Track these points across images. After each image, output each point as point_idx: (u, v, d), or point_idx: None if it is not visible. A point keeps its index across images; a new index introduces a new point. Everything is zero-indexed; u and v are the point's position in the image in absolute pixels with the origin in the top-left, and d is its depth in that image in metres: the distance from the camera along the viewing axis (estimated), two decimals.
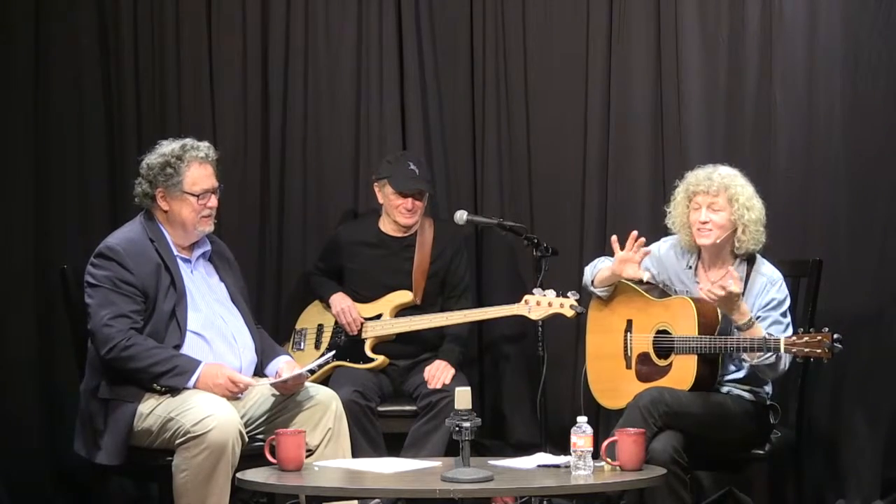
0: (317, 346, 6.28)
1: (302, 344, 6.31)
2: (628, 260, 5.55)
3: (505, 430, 6.58)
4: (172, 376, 5.13)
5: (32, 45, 6.49)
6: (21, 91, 6.48)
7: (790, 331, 5.41)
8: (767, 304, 5.46)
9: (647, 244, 5.71)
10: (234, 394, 5.21)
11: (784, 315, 5.47)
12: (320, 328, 6.31)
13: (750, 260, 5.56)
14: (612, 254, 5.68)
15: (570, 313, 5.82)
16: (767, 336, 5.27)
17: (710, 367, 5.43)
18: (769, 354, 5.29)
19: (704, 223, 5.48)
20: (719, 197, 5.48)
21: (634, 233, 5.55)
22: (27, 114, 6.49)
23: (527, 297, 5.89)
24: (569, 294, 5.81)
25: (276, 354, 5.50)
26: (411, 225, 6.24)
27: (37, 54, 6.50)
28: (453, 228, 6.34)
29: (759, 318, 5.41)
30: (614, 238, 5.58)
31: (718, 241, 5.50)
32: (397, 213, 6.20)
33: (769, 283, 5.50)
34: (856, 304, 6.07)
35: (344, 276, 6.34)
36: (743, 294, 5.40)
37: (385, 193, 6.22)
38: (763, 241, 5.54)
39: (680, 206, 5.59)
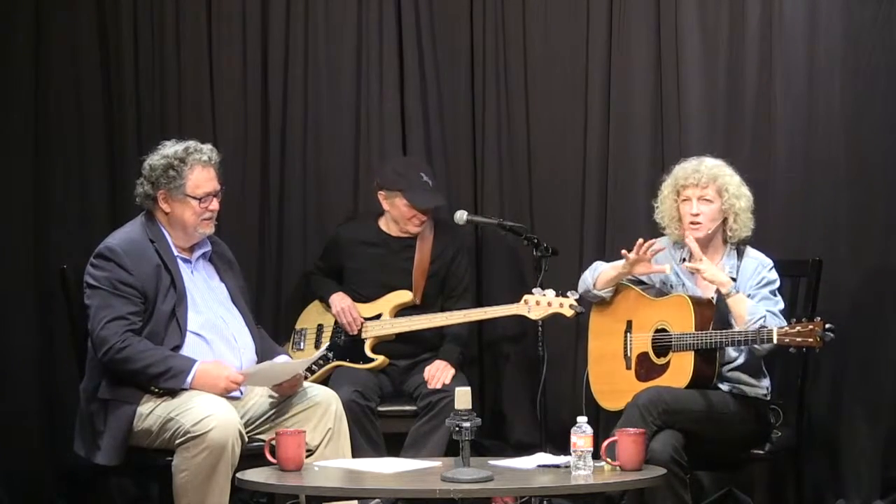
0: (317, 347, 6.28)
1: (302, 344, 6.31)
2: (639, 260, 5.57)
3: (505, 430, 6.58)
4: (168, 378, 5.13)
5: (32, 45, 6.49)
6: (21, 91, 6.48)
7: (781, 306, 5.49)
8: (759, 282, 5.51)
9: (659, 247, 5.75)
10: (233, 391, 5.21)
11: (774, 294, 5.52)
12: (320, 328, 6.31)
13: (739, 249, 5.60)
14: (610, 259, 5.71)
15: (569, 313, 5.83)
16: (761, 328, 5.30)
17: (708, 362, 5.44)
18: (759, 318, 5.33)
19: (696, 215, 5.52)
20: (709, 188, 5.53)
21: (640, 240, 5.56)
22: (27, 113, 6.49)
23: (526, 296, 5.90)
24: (568, 294, 5.81)
25: (276, 354, 5.49)
26: (420, 232, 6.24)
27: (37, 54, 6.50)
28: (454, 229, 6.34)
29: (750, 295, 5.47)
30: (624, 251, 5.58)
31: (709, 233, 5.54)
32: (409, 223, 6.20)
33: (760, 265, 5.57)
34: (856, 304, 6.07)
35: (344, 276, 6.34)
36: (736, 279, 5.49)
37: (395, 204, 6.19)
38: (752, 227, 5.58)
39: (668, 201, 5.63)
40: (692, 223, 5.54)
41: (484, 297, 6.58)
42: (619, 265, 5.65)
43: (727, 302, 5.43)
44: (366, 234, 6.32)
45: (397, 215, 6.21)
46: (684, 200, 5.57)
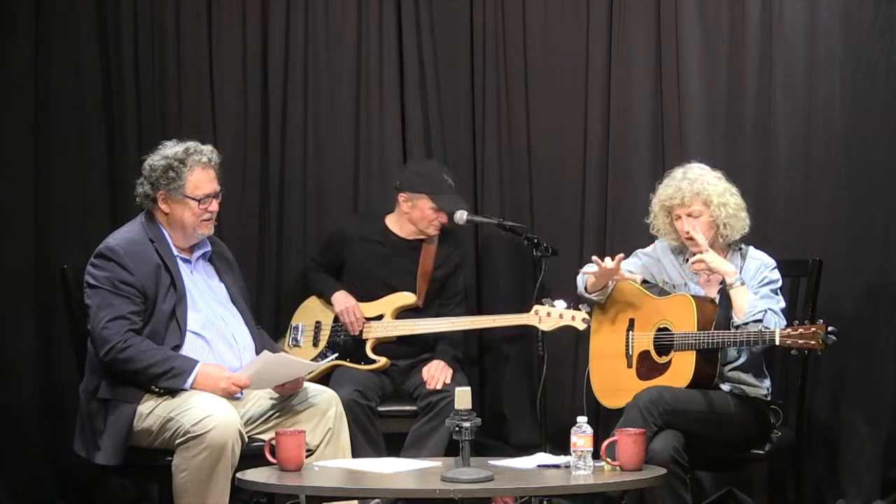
0: (315, 344, 6.28)
1: (299, 340, 6.30)
2: (607, 273, 5.59)
3: (505, 430, 6.58)
4: (169, 378, 5.13)
5: (32, 45, 6.49)
6: (21, 91, 6.48)
7: (782, 304, 5.50)
8: (760, 281, 5.53)
9: (646, 245, 5.74)
10: (235, 393, 5.21)
11: (775, 292, 5.53)
12: (318, 326, 6.30)
13: (742, 250, 5.62)
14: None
15: (581, 326, 5.80)
16: (763, 329, 5.31)
17: (709, 362, 5.44)
18: (758, 312, 5.34)
19: (688, 233, 5.53)
20: (694, 205, 5.54)
21: (595, 257, 5.60)
22: (27, 113, 6.49)
23: (537, 307, 5.88)
24: (580, 306, 5.80)
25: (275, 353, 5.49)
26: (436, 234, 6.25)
27: (37, 54, 6.50)
28: (458, 237, 6.34)
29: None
30: (595, 258, 5.61)
31: (708, 242, 5.56)
32: (430, 226, 6.19)
33: (763, 265, 5.58)
34: (856, 304, 6.07)
35: (344, 271, 6.32)
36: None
37: (418, 206, 6.17)
38: (748, 224, 5.60)
39: (660, 217, 5.67)
40: (688, 239, 5.56)
41: (484, 297, 6.59)
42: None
43: (730, 293, 5.43)
44: (371, 231, 6.31)
45: (419, 217, 6.20)
46: (676, 219, 5.59)
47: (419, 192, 6.17)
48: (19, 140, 6.47)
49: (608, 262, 5.58)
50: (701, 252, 5.48)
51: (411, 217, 6.21)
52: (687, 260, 5.65)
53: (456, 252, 6.32)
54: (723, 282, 5.51)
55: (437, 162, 6.45)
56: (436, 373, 6.09)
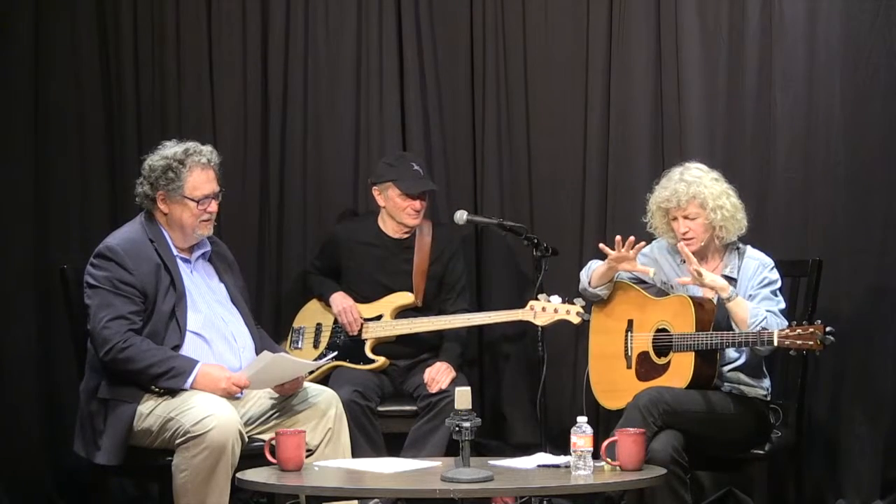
0: (315, 346, 6.28)
1: (300, 343, 6.30)
2: (623, 258, 5.58)
3: (505, 430, 6.58)
4: (169, 378, 5.14)
5: (32, 45, 6.49)
6: (21, 91, 6.48)
7: (782, 305, 5.50)
8: (760, 282, 5.53)
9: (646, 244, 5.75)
10: (235, 393, 5.21)
11: (775, 294, 5.54)
12: (319, 327, 6.30)
13: (739, 249, 5.62)
14: (605, 256, 5.73)
15: (576, 320, 5.81)
16: (762, 329, 5.31)
17: (708, 363, 5.44)
18: (761, 320, 5.34)
19: (685, 233, 5.54)
20: (690, 207, 5.54)
21: (631, 238, 5.58)
22: (27, 113, 6.49)
23: (532, 302, 5.88)
24: (575, 301, 5.80)
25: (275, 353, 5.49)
26: (417, 225, 6.23)
27: (37, 54, 6.50)
28: (450, 231, 6.34)
29: (751, 296, 5.49)
30: (618, 238, 5.60)
31: (703, 243, 5.56)
32: (404, 214, 6.19)
33: (761, 265, 5.59)
34: (855, 303, 6.07)
35: (342, 275, 6.33)
36: (737, 279, 5.52)
37: (389, 196, 6.20)
38: (745, 225, 5.60)
39: (657, 217, 5.67)
40: (684, 240, 5.57)
41: (484, 297, 6.59)
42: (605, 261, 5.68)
43: (727, 307, 5.43)
44: (364, 234, 6.31)
45: (393, 208, 6.21)
46: (673, 220, 5.60)
47: (385, 181, 6.18)
48: (19, 141, 6.47)
49: (625, 250, 5.55)
50: (693, 266, 5.48)
51: (388, 210, 6.23)
52: (684, 261, 5.64)
53: (448, 246, 6.31)
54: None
55: (409, 153, 6.46)
56: (437, 375, 6.08)
